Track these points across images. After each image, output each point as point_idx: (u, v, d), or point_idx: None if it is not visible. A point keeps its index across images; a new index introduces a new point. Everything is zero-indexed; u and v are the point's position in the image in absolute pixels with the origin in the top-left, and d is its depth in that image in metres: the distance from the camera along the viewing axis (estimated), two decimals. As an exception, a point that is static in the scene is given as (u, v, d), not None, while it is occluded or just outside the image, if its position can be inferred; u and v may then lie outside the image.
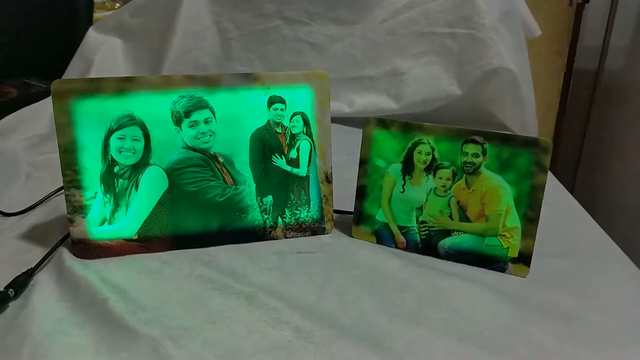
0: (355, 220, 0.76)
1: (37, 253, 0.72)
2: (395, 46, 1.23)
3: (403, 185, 0.73)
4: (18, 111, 1.15)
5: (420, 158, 0.71)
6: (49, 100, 1.18)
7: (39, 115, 1.17)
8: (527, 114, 1.20)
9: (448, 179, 0.70)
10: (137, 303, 0.62)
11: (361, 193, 0.75)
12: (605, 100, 1.74)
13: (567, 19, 1.84)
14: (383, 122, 0.73)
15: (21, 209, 0.84)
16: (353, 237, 0.77)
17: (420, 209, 0.72)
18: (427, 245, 0.72)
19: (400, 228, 0.73)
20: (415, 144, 0.71)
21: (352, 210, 0.77)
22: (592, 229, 0.82)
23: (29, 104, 1.20)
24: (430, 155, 0.70)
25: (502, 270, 0.69)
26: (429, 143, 0.70)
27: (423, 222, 0.72)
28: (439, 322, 0.60)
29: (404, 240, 0.73)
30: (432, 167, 0.71)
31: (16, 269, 0.66)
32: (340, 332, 0.57)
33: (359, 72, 1.24)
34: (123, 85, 0.69)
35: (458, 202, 0.70)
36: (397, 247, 0.74)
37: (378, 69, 1.24)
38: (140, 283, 0.66)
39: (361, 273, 0.68)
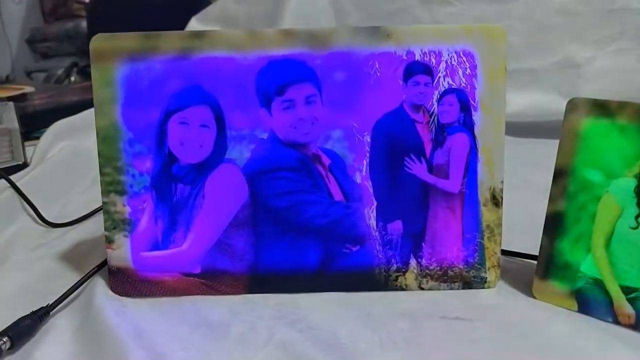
0: (540, 271, 0.46)
1: (71, 280, 0.51)
2: (569, 29, 0.93)
3: (637, 217, 0.42)
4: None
5: (677, 170, 0.40)
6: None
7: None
8: None
9: None
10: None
11: (555, 225, 0.45)
12: None
13: None
14: (603, 107, 0.43)
15: (71, 219, 0.65)
16: (535, 297, 0.47)
17: (670, 260, 0.41)
18: (681, 326, 0.40)
19: (627, 290, 0.42)
20: (668, 145, 0.40)
21: (533, 254, 0.47)
22: None
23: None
24: (698, 166, 0.39)
25: None
26: (696, 143, 0.39)
27: (675, 284, 0.41)
28: None
29: (633, 313, 0.42)
30: (699, 188, 0.39)
31: (40, 300, 0.47)
32: None
33: (517, 64, 0.94)
34: (191, 44, 0.46)
35: None
36: (616, 323, 0.43)
37: (544, 59, 0.95)
38: (193, 346, 0.42)
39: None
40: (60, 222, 0.65)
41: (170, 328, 0.44)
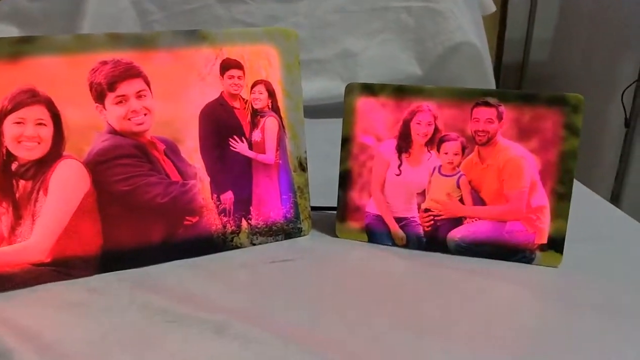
0: (339, 216, 0.61)
1: None
2: (345, 25, 1.11)
3: (399, 166, 0.58)
4: None
5: (420, 130, 0.57)
6: None
7: None
8: (492, 93, 1.11)
9: (456, 154, 0.57)
10: (57, 352, 0.43)
11: (345, 180, 0.60)
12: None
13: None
14: (370, 88, 0.58)
15: None
16: (338, 236, 0.61)
17: (423, 194, 0.58)
18: (433, 238, 0.58)
19: (398, 220, 0.59)
20: (413, 113, 0.57)
21: (333, 206, 0.62)
22: (604, 208, 0.72)
23: None
24: (432, 126, 0.57)
25: (529, 261, 0.56)
26: (430, 110, 0.56)
27: (427, 210, 0.58)
28: (480, 337, 0.45)
29: (404, 235, 0.59)
30: (435, 140, 0.57)
31: None
32: (354, 363, 0.42)
33: (306, 55, 1.09)
34: (20, 49, 0.50)
35: (470, 182, 0.57)
36: (395, 245, 0.59)
37: (328, 50, 1.11)
38: (60, 322, 0.47)
39: (359, 282, 0.53)
40: None
41: (33, 313, 0.48)
